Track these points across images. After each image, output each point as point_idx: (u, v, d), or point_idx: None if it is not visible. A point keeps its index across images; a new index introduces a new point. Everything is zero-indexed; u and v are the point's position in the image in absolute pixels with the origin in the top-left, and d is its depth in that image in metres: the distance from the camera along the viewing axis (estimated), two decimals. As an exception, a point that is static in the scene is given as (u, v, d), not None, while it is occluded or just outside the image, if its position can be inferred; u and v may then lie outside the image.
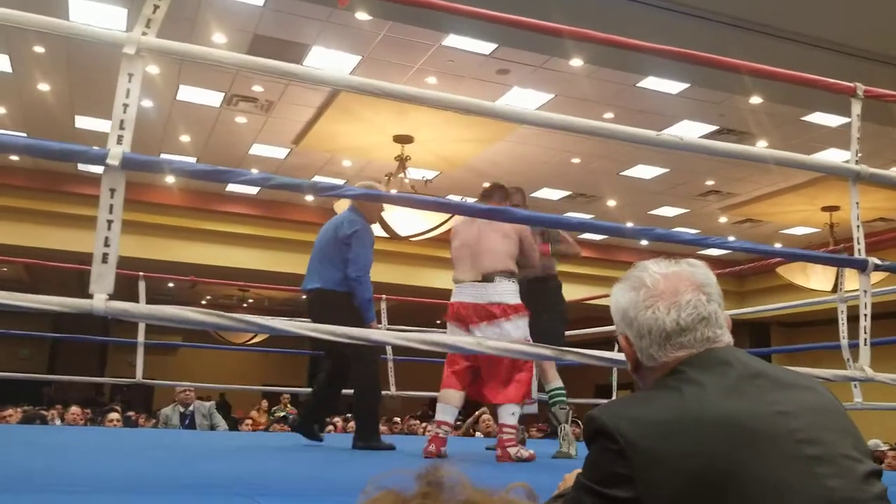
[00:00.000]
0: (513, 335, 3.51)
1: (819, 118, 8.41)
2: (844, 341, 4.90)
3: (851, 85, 2.89)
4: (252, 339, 16.41)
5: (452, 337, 2.33)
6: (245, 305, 18.09)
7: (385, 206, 8.54)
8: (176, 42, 2.12)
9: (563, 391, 4.14)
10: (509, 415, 3.61)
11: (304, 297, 4.27)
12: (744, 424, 1.13)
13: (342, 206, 9.34)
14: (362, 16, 6.45)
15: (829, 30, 5.44)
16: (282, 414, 9.54)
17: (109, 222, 1.97)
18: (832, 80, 2.93)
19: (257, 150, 10.06)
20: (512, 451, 3.58)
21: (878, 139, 7.94)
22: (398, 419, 11.56)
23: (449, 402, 3.74)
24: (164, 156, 9.29)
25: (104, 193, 1.98)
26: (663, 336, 1.28)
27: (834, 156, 9.32)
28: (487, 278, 3.68)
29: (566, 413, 4.11)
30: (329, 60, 7.38)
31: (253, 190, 11.59)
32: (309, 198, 11.84)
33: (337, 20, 6.72)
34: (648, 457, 1.12)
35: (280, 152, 10.13)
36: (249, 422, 8.98)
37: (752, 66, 2.93)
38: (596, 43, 2.98)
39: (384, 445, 4.14)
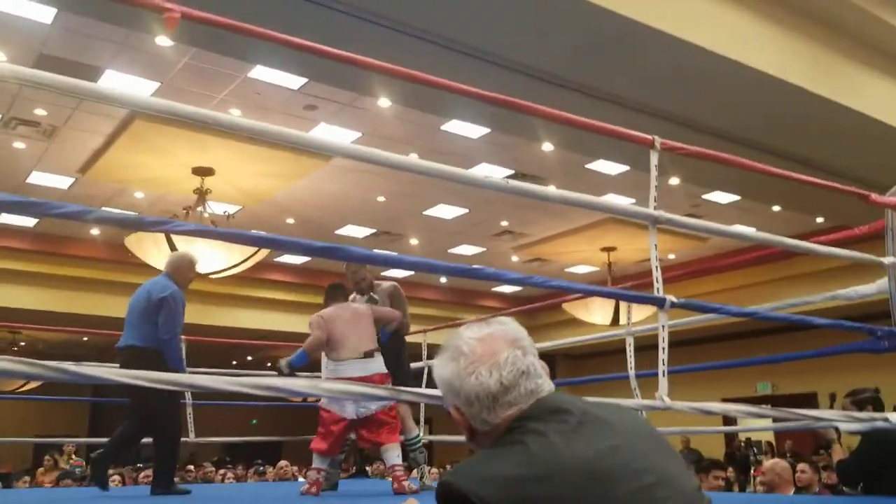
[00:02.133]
0: None
1: (601, 166, 9.14)
2: (632, 372, 5.29)
3: (650, 137, 3.09)
4: (23, 385, 14.85)
5: (287, 380, 2.24)
6: (16, 349, 16.32)
7: (182, 240, 8.24)
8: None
9: (420, 438, 4.89)
10: (395, 456, 4.27)
11: (119, 355, 4.55)
12: (590, 466, 1.17)
13: (135, 242, 8.79)
14: (163, 41, 6.14)
15: (620, 87, 5.95)
16: (66, 467, 8.64)
17: None
18: (633, 133, 3.13)
19: (37, 178, 9.22)
20: (406, 483, 4.22)
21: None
22: (191, 467, 10.90)
23: (325, 455, 4.39)
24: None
25: None
26: (491, 399, 1.31)
27: (614, 201, 10.17)
28: (368, 354, 4.31)
29: (424, 456, 4.89)
30: (124, 85, 6.96)
31: (30, 221, 10.60)
32: (94, 231, 11.02)
33: (134, 43, 6.37)
34: None
35: (64, 181, 9.36)
36: (27, 479, 8.04)
37: (562, 115, 3.09)
38: (405, 80, 3.03)
39: (180, 490, 4.52)
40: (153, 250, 8.49)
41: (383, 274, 11.06)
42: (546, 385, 1.34)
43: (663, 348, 2.98)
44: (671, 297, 2.97)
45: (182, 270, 4.66)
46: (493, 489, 1.15)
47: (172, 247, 8.26)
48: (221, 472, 9.97)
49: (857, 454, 3.92)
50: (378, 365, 4.33)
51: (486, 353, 1.34)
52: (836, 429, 4.34)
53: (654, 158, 3.09)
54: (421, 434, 6.49)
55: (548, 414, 1.27)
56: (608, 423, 1.27)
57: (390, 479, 4.49)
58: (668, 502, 1.19)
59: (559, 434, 1.22)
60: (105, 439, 10.75)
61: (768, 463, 5.80)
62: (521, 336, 1.38)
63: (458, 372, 1.34)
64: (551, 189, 3.15)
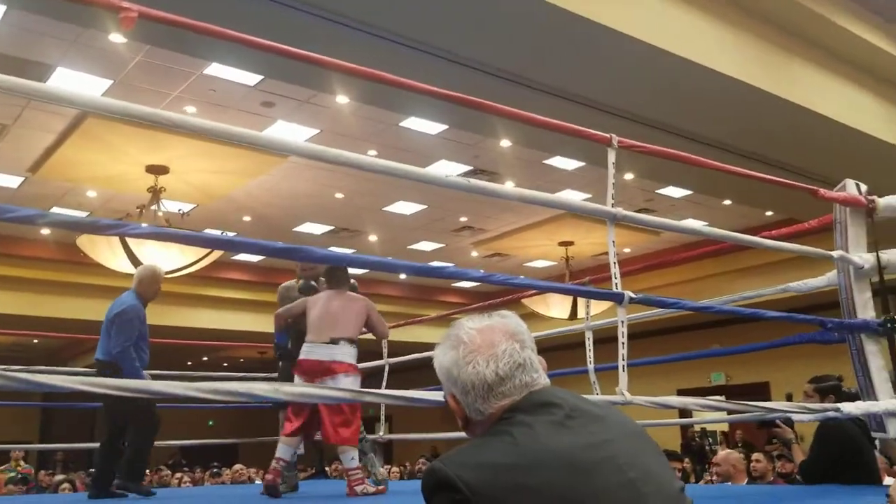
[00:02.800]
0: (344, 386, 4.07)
1: (558, 162, 9.22)
2: (591, 366, 5.37)
3: (608, 136, 3.12)
4: (-31, 390, 14.48)
5: (247, 384, 2.24)
6: (-43, 353, 15.87)
7: (135, 241, 8.12)
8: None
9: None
10: (350, 459, 4.26)
11: None
12: (575, 457, 1.21)
13: (87, 242, 8.63)
14: (116, 38, 6.03)
15: (577, 85, 6.01)
16: (12, 474, 8.44)
17: None
18: (591, 131, 3.16)
19: (-16, 177, 9.01)
20: (358, 488, 4.20)
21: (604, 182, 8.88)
22: (147, 471, 10.74)
23: (289, 444, 4.41)
24: None
25: None
26: (486, 388, 1.34)
27: (571, 196, 10.27)
28: (333, 341, 4.32)
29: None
30: (76, 83, 6.81)
31: (-26, 222, 10.31)
32: (45, 231, 10.77)
33: (86, 41, 6.24)
34: (493, 501, 1.16)
35: (13, 181, 9.14)
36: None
37: (522, 114, 3.11)
38: (364, 78, 3.03)
39: (144, 490, 4.71)
40: (106, 251, 8.34)
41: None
42: (541, 379, 1.38)
43: (623, 343, 3.02)
44: (630, 293, 3.01)
45: (145, 284, 4.79)
46: (477, 475, 1.18)
47: (126, 247, 8.13)
48: (177, 475, 9.83)
49: (813, 454, 4.01)
50: (343, 353, 4.32)
51: (485, 343, 1.37)
52: (793, 427, 4.47)
53: (611, 156, 3.12)
54: (381, 432, 6.52)
55: (537, 407, 1.30)
56: (597, 419, 1.31)
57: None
58: (650, 498, 1.22)
59: (546, 426, 1.26)
60: (59, 445, 10.41)
61: (721, 454, 5.89)
62: (520, 330, 1.41)
63: (457, 360, 1.37)
64: (513, 188, 3.18)
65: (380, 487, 4.46)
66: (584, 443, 1.24)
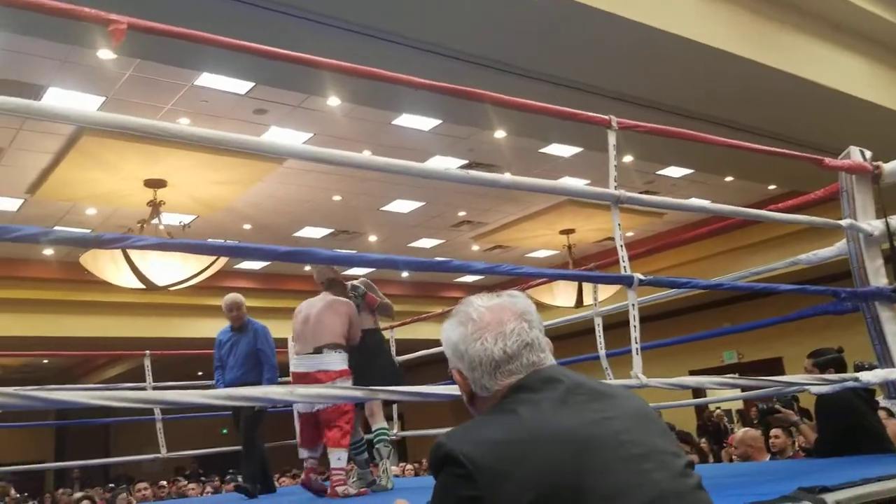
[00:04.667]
0: None
1: (555, 149, 9.17)
2: (603, 352, 5.34)
3: (607, 118, 3.06)
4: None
5: (262, 388, 2.22)
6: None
7: (138, 255, 8.11)
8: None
9: (387, 430, 4.67)
10: (336, 459, 4.19)
11: None
12: (577, 433, 1.23)
13: (90, 259, 8.60)
14: (105, 54, 6.01)
15: (569, 69, 5.97)
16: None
17: None
18: (590, 114, 3.11)
19: (-17, 201, 8.99)
20: (339, 489, 4.13)
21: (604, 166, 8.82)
22: (164, 483, 10.76)
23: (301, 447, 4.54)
24: None
25: None
26: (493, 365, 1.36)
27: (570, 183, 10.23)
28: (318, 350, 4.28)
29: (389, 450, 4.58)
30: (69, 101, 6.79)
31: (-23, 246, 10.32)
32: (48, 251, 10.76)
33: (76, 59, 6.22)
34: (495, 477, 1.18)
35: (12, 203, 9.15)
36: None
37: (521, 102, 3.06)
38: (358, 77, 2.99)
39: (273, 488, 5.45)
40: (110, 266, 8.32)
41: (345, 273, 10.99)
42: (547, 360, 1.39)
43: (634, 326, 2.99)
44: (639, 275, 2.98)
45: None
46: (480, 450, 1.21)
47: (130, 262, 8.12)
48: (191, 485, 9.82)
49: (821, 430, 3.97)
50: (326, 362, 4.24)
51: (494, 321, 1.38)
52: (795, 409, 4.43)
53: (611, 138, 3.06)
54: (395, 430, 6.50)
55: (541, 384, 1.32)
56: (601, 396, 1.32)
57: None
58: (653, 473, 1.23)
59: (548, 403, 1.28)
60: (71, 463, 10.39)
61: (737, 435, 5.84)
62: (529, 310, 1.43)
63: (465, 336, 1.39)
64: (514, 177, 3.15)
65: (361, 490, 4.38)
66: (586, 419, 1.26)
